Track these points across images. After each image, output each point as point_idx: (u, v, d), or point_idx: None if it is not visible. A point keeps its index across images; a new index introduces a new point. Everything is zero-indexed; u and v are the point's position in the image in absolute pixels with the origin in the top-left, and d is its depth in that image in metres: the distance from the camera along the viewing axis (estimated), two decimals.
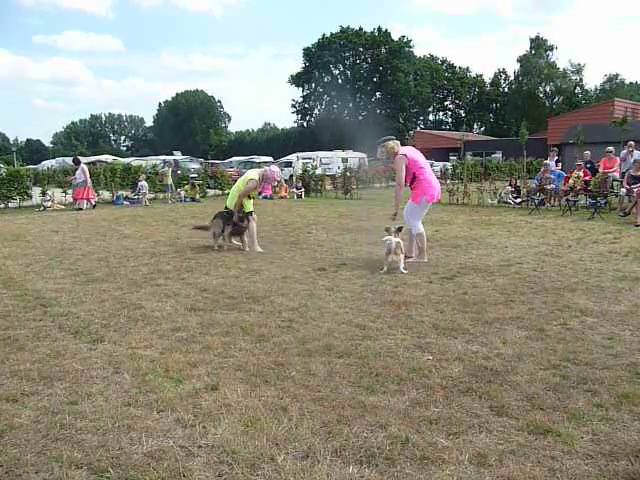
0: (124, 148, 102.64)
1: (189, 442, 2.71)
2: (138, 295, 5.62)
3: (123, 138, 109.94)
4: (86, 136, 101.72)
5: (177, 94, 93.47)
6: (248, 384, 3.39)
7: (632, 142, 14.58)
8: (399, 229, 6.79)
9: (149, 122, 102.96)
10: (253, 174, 8.55)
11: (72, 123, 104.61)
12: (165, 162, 24.02)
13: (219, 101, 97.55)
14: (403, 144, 7.73)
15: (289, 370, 3.58)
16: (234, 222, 8.39)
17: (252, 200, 8.69)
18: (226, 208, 8.58)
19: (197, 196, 19.56)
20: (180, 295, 5.60)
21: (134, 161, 30.58)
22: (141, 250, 8.46)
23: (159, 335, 4.34)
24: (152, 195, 20.49)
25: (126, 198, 18.68)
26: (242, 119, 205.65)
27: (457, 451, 2.60)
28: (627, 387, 3.25)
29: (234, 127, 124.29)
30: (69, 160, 37.54)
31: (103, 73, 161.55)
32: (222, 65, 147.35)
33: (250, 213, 8.45)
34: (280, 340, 4.17)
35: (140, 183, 18.42)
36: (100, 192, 18.83)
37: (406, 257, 6.85)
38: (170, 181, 19.50)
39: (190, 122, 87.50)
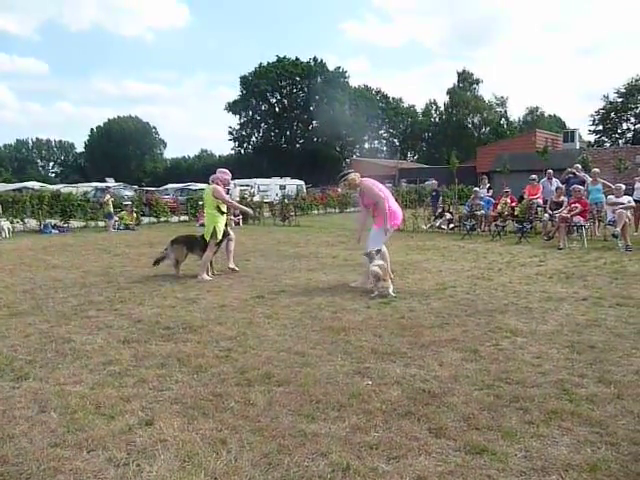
0: (53, 174, 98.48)
1: None
2: (67, 328, 5.34)
3: (52, 164, 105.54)
4: (11, 161, 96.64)
5: (109, 120, 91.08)
6: (185, 417, 3.28)
7: (550, 170, 15.63)
8: (377, 251, 6.91)
9: (80, 148, 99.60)
10: (209, 186, 8.59)
11: None
12: (104, 190, 23.09)
13: (154, 127, 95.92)
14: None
15: (228, 401, 3.50)
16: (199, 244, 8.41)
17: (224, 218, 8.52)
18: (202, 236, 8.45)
19: (132, 223, 18.99)
20: (113, 327, 5.38)
21: (64, 188, 29.38)
22: (70, 280, 8.09)
23: (90, 370, 4.14)
24: (83, 223, 19.75)
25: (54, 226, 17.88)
26: (178, 146, 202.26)
27: (397, 475, 2.61)
28: (555, 403, 3.39)
29: (170, 154, 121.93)
30: None
31: (28, 97, 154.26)
32: (156, 91, 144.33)
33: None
34: (218, 370, 4.08)
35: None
36: (26, 220, 17.92)
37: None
38: (111, 209, 18.82)
39: (124, 148, 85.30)
